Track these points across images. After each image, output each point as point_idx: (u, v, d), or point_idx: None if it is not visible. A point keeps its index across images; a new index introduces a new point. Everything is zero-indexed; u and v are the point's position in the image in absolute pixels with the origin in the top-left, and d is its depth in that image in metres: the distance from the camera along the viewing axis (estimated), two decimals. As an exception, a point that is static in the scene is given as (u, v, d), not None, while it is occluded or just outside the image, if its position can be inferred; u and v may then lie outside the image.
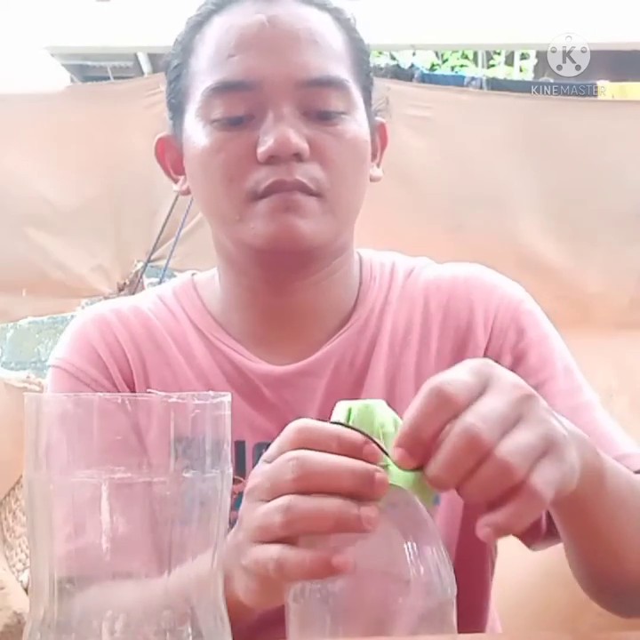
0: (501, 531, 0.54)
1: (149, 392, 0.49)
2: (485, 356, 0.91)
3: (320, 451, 0.55)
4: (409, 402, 0.88)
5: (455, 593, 0.55)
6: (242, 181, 0.85)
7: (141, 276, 2.53)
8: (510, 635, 0.99)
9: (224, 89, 0.85)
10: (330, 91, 0.85)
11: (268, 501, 0.57)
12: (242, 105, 0.85)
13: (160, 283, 2.25)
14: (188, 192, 0.95)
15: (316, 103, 0.85)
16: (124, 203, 2.49)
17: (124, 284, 2.53)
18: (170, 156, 0.96)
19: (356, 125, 0.87)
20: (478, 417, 0.53)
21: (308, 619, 0.54)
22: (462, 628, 0.88)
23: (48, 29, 2.75)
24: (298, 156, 0.83)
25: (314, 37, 0.86)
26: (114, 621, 0.47)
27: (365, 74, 0.92)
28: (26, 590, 2.13)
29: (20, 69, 2.99)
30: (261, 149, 0.83)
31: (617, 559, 0.75)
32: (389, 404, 0.58)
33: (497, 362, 0.89)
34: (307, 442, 0.56)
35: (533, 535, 0.80)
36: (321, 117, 0.85)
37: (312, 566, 0.52)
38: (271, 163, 0.83)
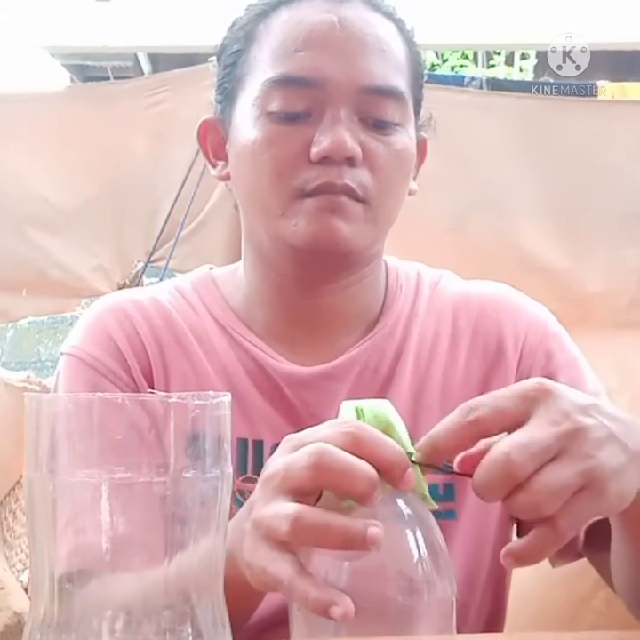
0: (521, 561, 0.56)
1: (151, 392, 0.49)
2: (516, 377, 0.92)
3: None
4: (434, 415, 0.89)
5: (456, 592, 0.55)
6: (291, 178, 0.84)
7: (141, 277, 2.53)
8: (510, 635, 0.99)
9: (286, 83, 0.85)
10: (389, 101, 0.86)
11: (283, 489, 0.56)
12: (301, 101, 0.84)
13: (160, 283, 2.25)
14: (226, 178, 0.94)
15: (374, 111, 0.85)
16: (124, 203, 2.48)
17: (124, 284, 2.52)
18: (212, 139, 0.95)
19: (408, 138, 0.88)
20: (513, 446, 0.54)
21: (312, 617, 0.54)
22: (486, 618, 0.89)
23: (48, 29, 2.75)
24: (350, 161, 0.83)
25: (381, 45, 0.86)
26: (114, 621, 0.47)
27: (419, 88, 0.92)
28: (26, 590, 2.13)
29: (20, 69, 2.99)
30: (316, 149, 0.83)
31: None
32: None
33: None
34: (358, 440, 0.56)
35: (565, 554, 0.80)
36: (376, 126, 0.85)
37: (314, 604, 0.52)
38: (323, 163, 0.83)
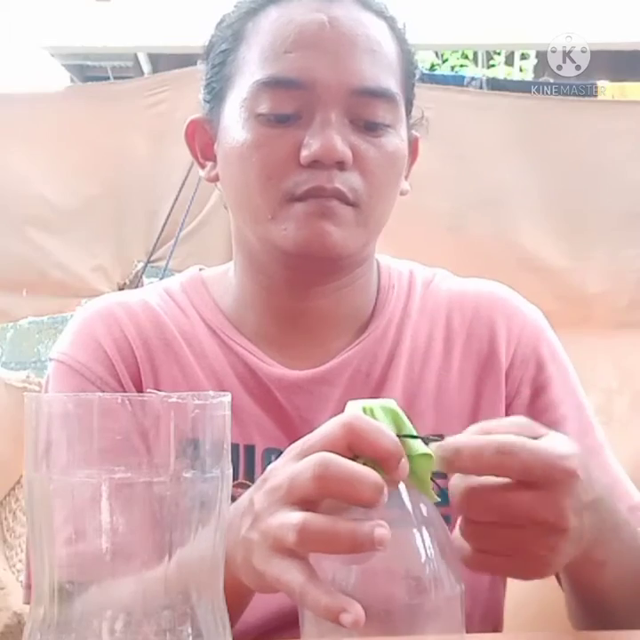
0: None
1: (150, 392, 0.49)
2: (506, 383, 0.91)
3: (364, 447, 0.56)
4: (428, 420, 0.89)
5: (463, 589, 0.55)
6: (280, 181, 0.83)
7: (141, 277, 2.53)
8: (510, 635, 0.99)
9: (275, 84, 0.83)
10: (380, 102, 0.84)
11: (288, 501, 0.56)
12: (291, 103, 0.83)
13: (160, 283, 2.25)
14: (215, 179, 0.92)
15: (364, 112, 0.84)
16: (124, 203, 2.49)
17: (124, 283, 2.52)
18: (200, 139, 0.93)
19: (399, 140, 0.86)
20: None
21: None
22: (490, 629, 0.88)
23: (48, 29, 2.76)
24: (340, 165, 0.82)
25: (371, 45, 0.84)
26: (114, 621, 0.47)
27: (411, 87, 0.91)
28: (26, 590, 2.12)
29: (20, 69, 3.00)
30: (305, 153, 0.81)
31: (612, 609, 0.76)
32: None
33: (516, 392, 0.91)
34: (355, 431, 0.56)
35: None
36: (367, 128, 0.84)
37: (325, 612, 0.52)
38: (313, 167, 0.82)
